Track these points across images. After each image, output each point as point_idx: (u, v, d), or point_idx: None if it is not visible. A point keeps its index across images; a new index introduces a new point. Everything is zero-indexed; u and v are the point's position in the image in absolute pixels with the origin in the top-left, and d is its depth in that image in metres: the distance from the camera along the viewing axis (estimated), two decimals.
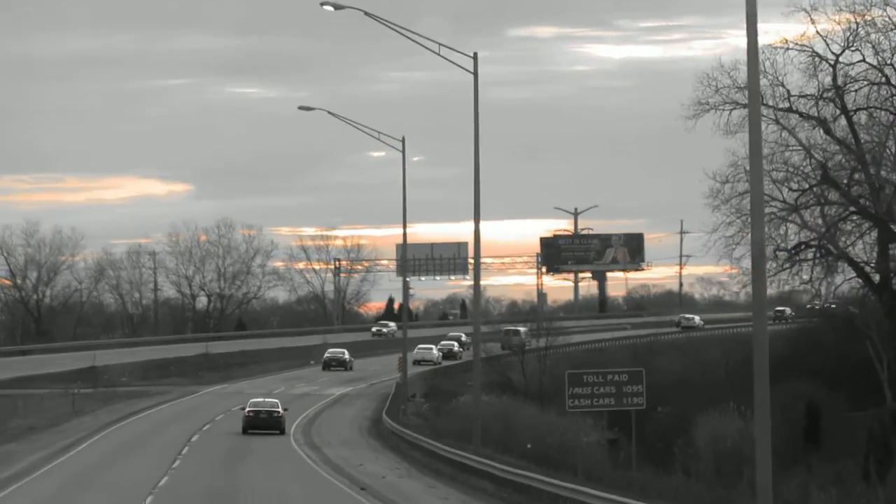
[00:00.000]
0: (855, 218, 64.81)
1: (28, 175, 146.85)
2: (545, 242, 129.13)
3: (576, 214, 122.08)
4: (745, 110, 60.72)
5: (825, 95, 63.74)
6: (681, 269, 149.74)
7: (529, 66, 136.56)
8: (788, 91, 63.83)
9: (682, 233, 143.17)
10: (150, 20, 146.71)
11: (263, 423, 62.68)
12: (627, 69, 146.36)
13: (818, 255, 65.70)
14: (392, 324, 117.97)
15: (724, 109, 64.06)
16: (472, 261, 76.39)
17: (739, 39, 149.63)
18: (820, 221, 64.82)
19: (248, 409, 63.78)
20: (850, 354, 67.60)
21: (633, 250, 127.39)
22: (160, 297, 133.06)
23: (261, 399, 67.76)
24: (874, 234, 63.79)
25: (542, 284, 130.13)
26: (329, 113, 65.88)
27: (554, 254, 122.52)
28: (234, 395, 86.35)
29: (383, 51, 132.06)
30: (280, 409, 63.91)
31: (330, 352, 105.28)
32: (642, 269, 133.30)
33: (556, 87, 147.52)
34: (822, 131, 64.09)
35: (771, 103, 63.49)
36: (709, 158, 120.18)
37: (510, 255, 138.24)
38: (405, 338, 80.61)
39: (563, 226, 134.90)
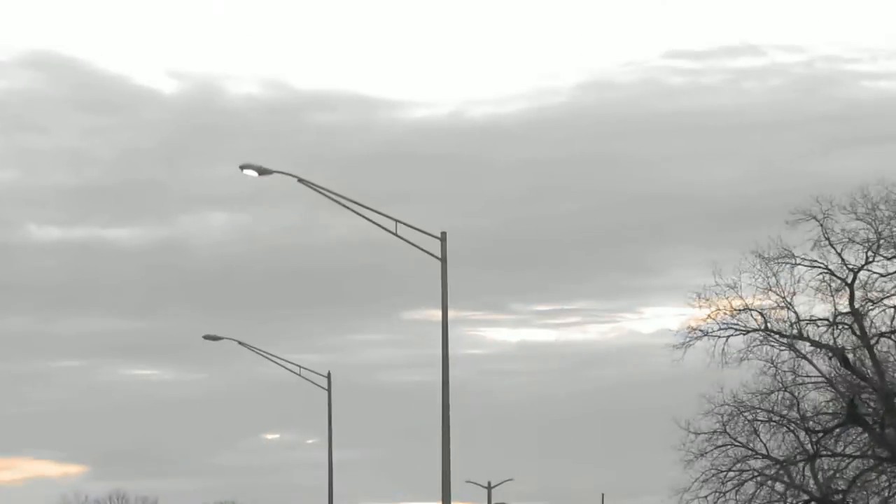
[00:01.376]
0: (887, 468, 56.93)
1: None
2: None
3: (489, 488, 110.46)
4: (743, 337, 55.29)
5: (840, 321, 56.46)
6: None
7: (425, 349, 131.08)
8: (797, 314, 56.59)
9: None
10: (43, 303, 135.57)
11: None
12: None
13: None
14: None
15: (719, 336, 57.55)
16: None
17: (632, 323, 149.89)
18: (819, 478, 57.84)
19: None
20: None
21: None
22: None
23: None
24: None
25: None
26: (239, 343, 63.68)
27: None
28: None
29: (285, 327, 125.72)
30: None
31: None
32: None
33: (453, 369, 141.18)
34: (838, 363, 56.55)
35: (776, 328, 56.97)
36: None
37: None
38: None
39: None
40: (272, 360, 64.73)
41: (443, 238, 38.03)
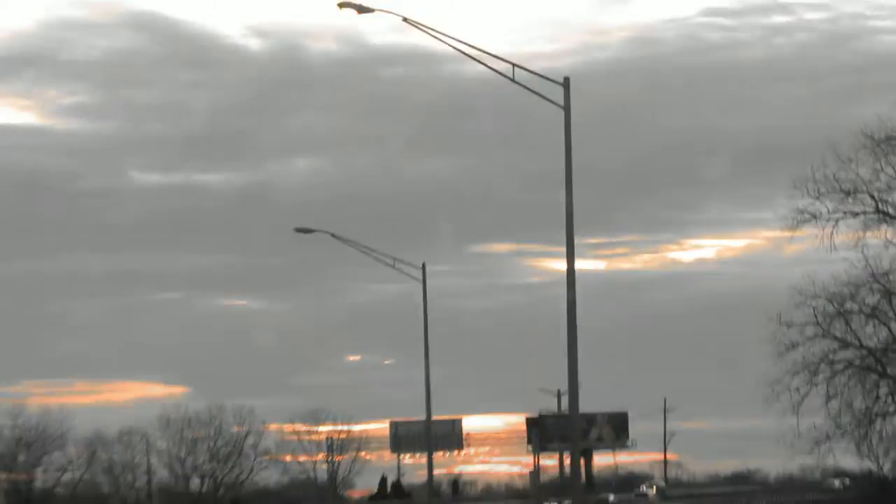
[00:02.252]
0: None
1: (42, 380, 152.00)
2: (531, 422, 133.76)
3: (559, 395, 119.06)
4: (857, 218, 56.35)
5: None
6: (665, 445, 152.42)
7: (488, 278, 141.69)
8: None
9: (665, 410, 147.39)
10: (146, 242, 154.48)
11: None
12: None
13: None
14: None
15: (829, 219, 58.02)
16: None
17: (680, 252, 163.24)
18: None
19: None
20: None
21: (617, 428, 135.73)
22: (153, 479, 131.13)
23: None
24: None
25: (538, 460, 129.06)
26: (332, 235, 62.31)
27: (540, 433, 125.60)
28: None
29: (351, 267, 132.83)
30: None
31: None
32: (628, 447, 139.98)
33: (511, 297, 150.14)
34: None
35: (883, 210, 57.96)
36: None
37: (497, 441, 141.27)
38: None
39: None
40: (366, 253, 61.61)
41: (565, 84, 34.45)
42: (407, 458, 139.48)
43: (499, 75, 34.68)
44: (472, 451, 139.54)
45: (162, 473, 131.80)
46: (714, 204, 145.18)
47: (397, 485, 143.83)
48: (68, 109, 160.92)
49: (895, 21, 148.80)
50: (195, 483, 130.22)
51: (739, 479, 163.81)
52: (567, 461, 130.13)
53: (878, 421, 59.77)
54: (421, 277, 62.85)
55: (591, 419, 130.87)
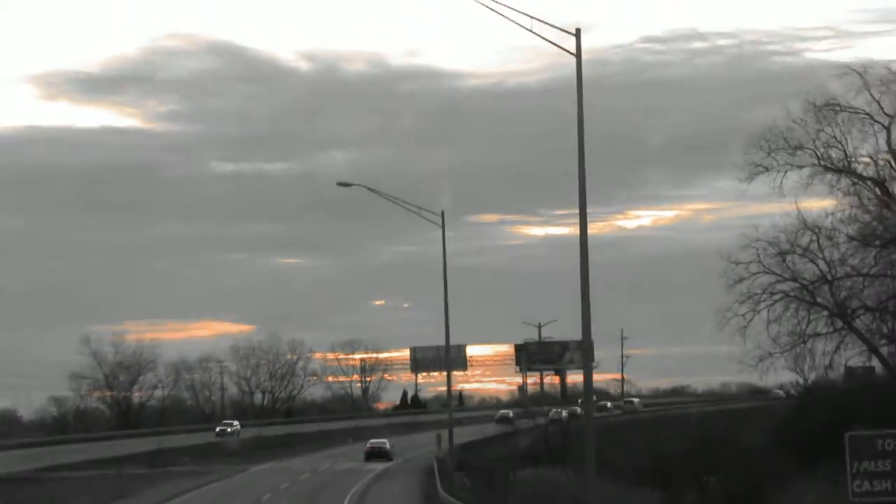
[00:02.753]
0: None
1: (143, 321, 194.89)
2: (518, 348, 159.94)
3: (539, 327, 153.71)
4: (801, 171, 64.40)
5: (880, 158, 64.66)
6: (622, 366, 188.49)
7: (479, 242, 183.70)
8: (845, 152, 65.05)
9: (622, 338, 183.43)
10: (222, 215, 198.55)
11: (377, 454, 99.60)
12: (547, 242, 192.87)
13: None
14: (236, 423, 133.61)
15: (778, 171, 65.70)
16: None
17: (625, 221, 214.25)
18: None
19: (367, 445, 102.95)
20: None
21: (585, 352, 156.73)
22: (225, 395, 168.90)
23: (375, 440, 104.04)
24: None
25: (525, 379, 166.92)
26: (368, 189, 71.35)
27: (525, 357, 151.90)
28: (282, 472, 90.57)
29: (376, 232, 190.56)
30: (388, 445, 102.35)
31: (371, 442, 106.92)
32: (593, 368, 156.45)
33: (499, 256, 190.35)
34: (879, 192, 64.49)
35: (824, 164, 65.11)
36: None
37: (491, 364, 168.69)
38: (451, 417, 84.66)
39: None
40: (395, 203, 70.26)
41: (577, 35, 36.04)
42: (422, 378, 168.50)
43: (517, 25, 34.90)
44: (470, 372, 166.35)
45: (232, 390, 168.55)
46: (650, 185, 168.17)
47: (415, 398, 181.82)
48: (164, 115, 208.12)
49: (785, 46, 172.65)
50: (258, 397, 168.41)
51: (676, 392, 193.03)
52: (547, 379, 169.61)
53: (810, 341, 64.75)
54: (440, 223, 72.05)
55: (565, 346, 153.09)
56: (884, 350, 64.25)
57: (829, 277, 64.64)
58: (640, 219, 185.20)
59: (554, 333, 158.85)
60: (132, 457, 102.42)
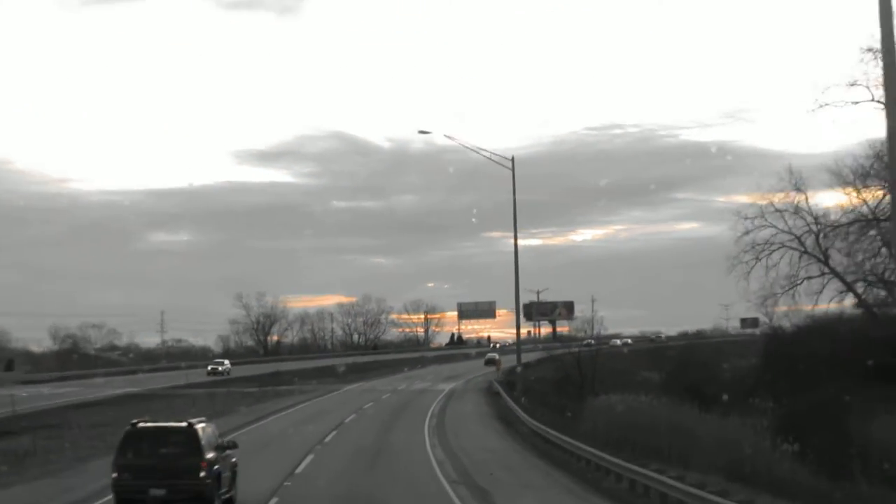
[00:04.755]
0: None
1: (289, 295, 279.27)
2: (527, 306, 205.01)
3: (538, 292, 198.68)
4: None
5: None
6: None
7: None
8: None
9: (592, 301, 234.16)
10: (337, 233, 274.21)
11: (490, 361, 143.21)
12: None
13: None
14: (227, 361, 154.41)
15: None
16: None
17: (575, 235, 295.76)
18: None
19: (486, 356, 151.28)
20: None
21: (568, 309, 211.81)
22: (334, 337, 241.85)
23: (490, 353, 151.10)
24: None
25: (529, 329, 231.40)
26: (445, 136, 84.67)
27: (529, 311, 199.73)
28: (368, 392, 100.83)
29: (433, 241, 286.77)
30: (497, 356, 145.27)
31: (487, 356, 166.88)
32: (573, 319, 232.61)
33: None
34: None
35: None
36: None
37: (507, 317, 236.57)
38: (519, 348, 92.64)
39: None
40: (468, 148, 77.07)
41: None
42: (464, 325, 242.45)
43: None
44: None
45: (338, 334, 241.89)
46: (591, 213, 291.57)
47: (460, 338, 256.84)
48: (305, 174, 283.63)
49: (669, 131, 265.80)
50: (355, 338, 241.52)
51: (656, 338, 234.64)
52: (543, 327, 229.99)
53: (803, 283, 72.58)
54: (511, 167, 76.85)
55: (554, 304, 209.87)
56: (859, 288, 71.51)
57: (815, 229, 72.62)
58: (584, 234, 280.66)
59: (546, 297, 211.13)
60: (258, 377, 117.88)
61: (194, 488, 29.94)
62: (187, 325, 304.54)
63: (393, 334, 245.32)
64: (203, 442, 30.51)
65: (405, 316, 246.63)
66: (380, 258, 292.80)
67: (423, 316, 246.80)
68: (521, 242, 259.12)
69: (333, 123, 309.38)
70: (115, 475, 30.19)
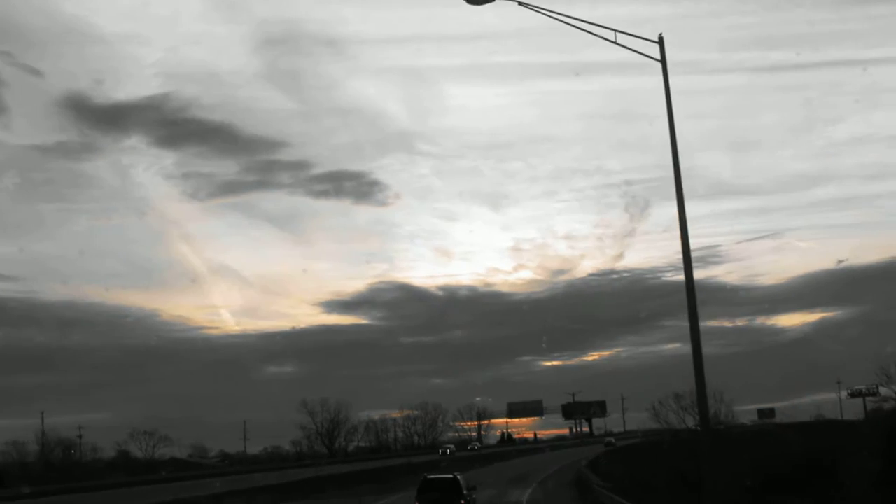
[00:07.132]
0: None
1: (367, 411, 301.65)
2: (564, 407, 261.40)
3: (573, 394, 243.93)
4: None
5: None
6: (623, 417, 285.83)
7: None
8: None
9: (622, 399, 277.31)
10: (407, 360, 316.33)
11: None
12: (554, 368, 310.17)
13: None
14: (452, 446, 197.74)
15: None
16: None
17: (586, 357, 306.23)
18: None
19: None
20: None
21: (601, 408, 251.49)
22: (398, 438, 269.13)
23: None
24: None
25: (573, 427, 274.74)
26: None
27: (569, 411, 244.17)
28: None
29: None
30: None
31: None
32: (606, 416, 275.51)
33: (533, 377, 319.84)
34: None
35: None
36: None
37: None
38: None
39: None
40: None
41: (660, 42, 36.46)
42: (515, 422, 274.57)
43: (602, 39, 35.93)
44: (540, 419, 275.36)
45: (400, 436, 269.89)
46: (597, 339, 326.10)
47: (509, 436, 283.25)
48: (378, 318, 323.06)
49: (654, 275, 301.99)
50: (415, 439, 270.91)
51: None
52: (582, 428, 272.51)
53: None
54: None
55: (590, 404, 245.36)
56: None
57: None
58: (594, 357, 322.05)
59: (580, 397, 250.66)
60: (330, 477, 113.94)
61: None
62: (270, 433, 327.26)
63: (448, 436, 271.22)
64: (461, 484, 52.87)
65: (458, 423, 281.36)
66: (437, 379, 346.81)
67: (475, 421, 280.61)
68: (545, 364, 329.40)
69: (398, 276, 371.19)
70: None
